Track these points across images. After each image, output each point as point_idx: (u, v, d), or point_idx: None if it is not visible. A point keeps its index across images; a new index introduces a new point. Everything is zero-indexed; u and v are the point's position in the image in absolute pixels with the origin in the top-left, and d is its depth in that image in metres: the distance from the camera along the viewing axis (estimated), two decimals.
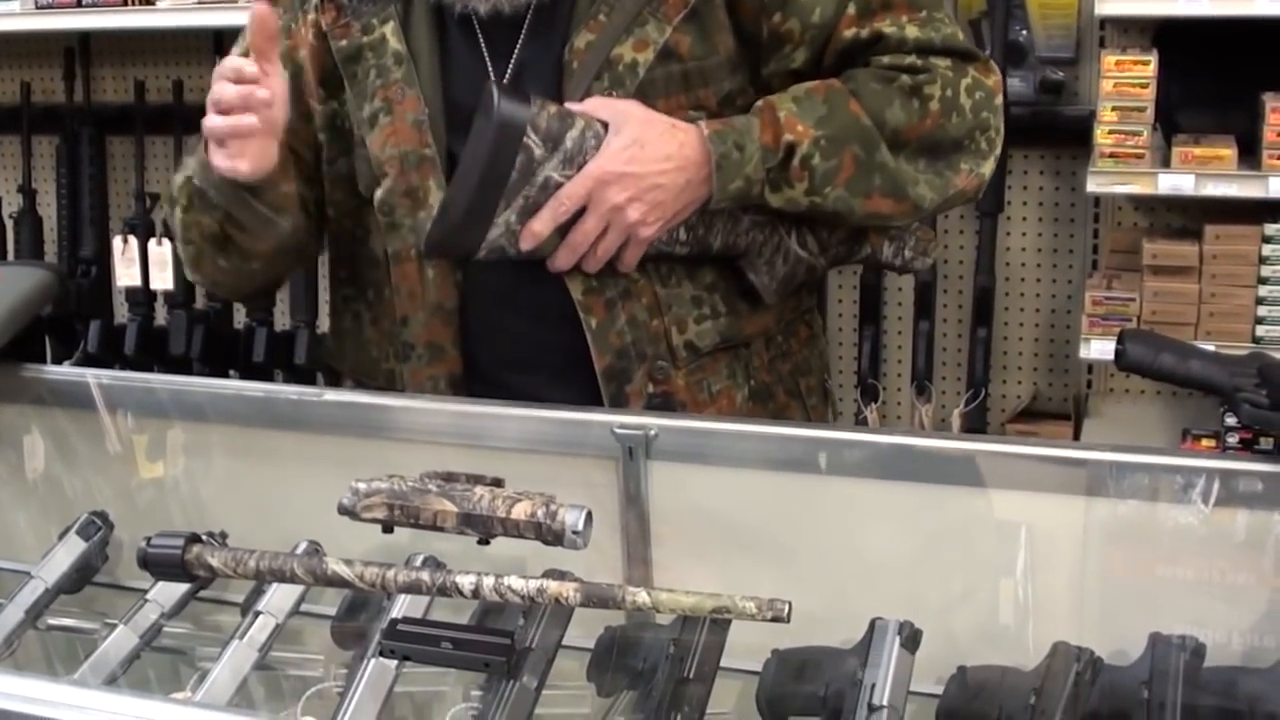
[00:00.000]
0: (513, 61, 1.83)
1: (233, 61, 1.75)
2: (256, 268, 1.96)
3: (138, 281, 4.14)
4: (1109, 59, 3.20)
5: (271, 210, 1.86)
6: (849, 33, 1.81)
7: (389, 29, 1.85)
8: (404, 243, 1.86)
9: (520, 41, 1.83)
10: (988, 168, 1.88)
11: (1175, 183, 3.16)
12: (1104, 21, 3.48)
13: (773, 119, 1.77)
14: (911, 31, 1.81)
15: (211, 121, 1.76)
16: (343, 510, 1.51)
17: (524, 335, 1.88)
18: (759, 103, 1.79)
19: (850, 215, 1.83)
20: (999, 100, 1.86)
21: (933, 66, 1.81)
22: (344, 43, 1.87)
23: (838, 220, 1.85)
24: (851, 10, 1.81)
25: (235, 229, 1.88)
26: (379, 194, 1.87)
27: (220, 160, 1.77)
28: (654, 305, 1.85)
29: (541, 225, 1.75)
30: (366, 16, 1.86)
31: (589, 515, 1.46)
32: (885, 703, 1.39)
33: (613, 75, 1.79)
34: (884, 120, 1.79)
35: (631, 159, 1.74)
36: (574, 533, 1.45)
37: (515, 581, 1.42)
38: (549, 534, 1.46)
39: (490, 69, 1.83)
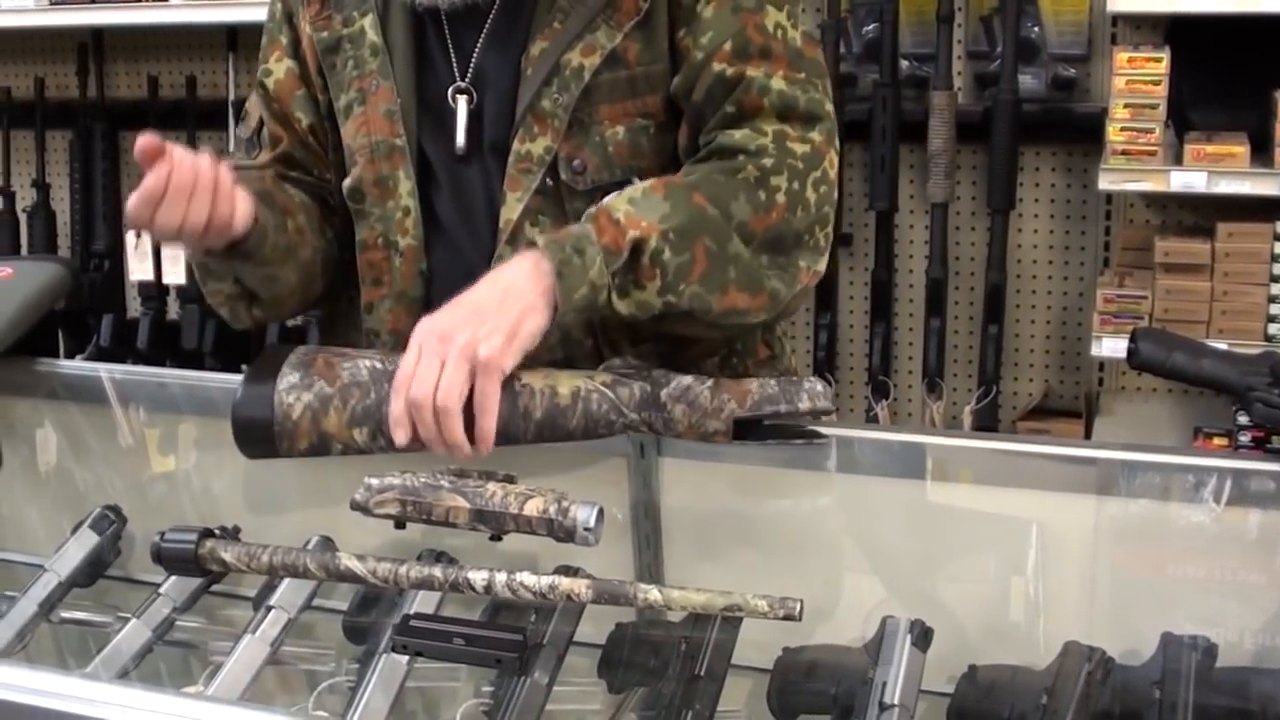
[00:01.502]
0: (471, 66, 1.84)
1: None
2: (294, 301, 1.95)
3: (150, 276, 4.16)
4: (1121, 56, 3.19)
5: (277, 258, 1.82)
6: (718, 67, 1.76)
7: (368, 21, 1.87)
8: (371, 231, 1.87)
9: (479, 45, 1.83)
10: (822, 264, 1.80)
11: (1187, 180, 3.16)
12: (1116, 18, 3.47)
13: (610, 221, 1.68)
14: (777, 84, 1.76)
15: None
16: (355, 506, 1.52)
17: None
18: (591, 209, 1.71)
19: (707, 314, 1.72)
20: (835, 193, 1.80)
21: (781, 156, 1.75)
22: (325, 34, 1.89)
23: (691, 323, 1.75)
24: (728, 47, 1.76)
25: (253, 285, 1.87)
26: (348, 182, 1.88)
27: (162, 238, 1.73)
28: (587, 323, 1.78)
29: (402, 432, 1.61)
30: (348, 9, 1.88)
31: (600, 512, 1.46)
32: (896, 701, 1.39)
33: (560, 80, 1.77)
34: (730, 213, 1.71)
35: (451, 312, 1.64)
36: (585, 529, 1.46)
37: (527, 578, 1.42)
38: (561, 530, 1.46)
39: (455, 67, 1.85)
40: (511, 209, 1.79)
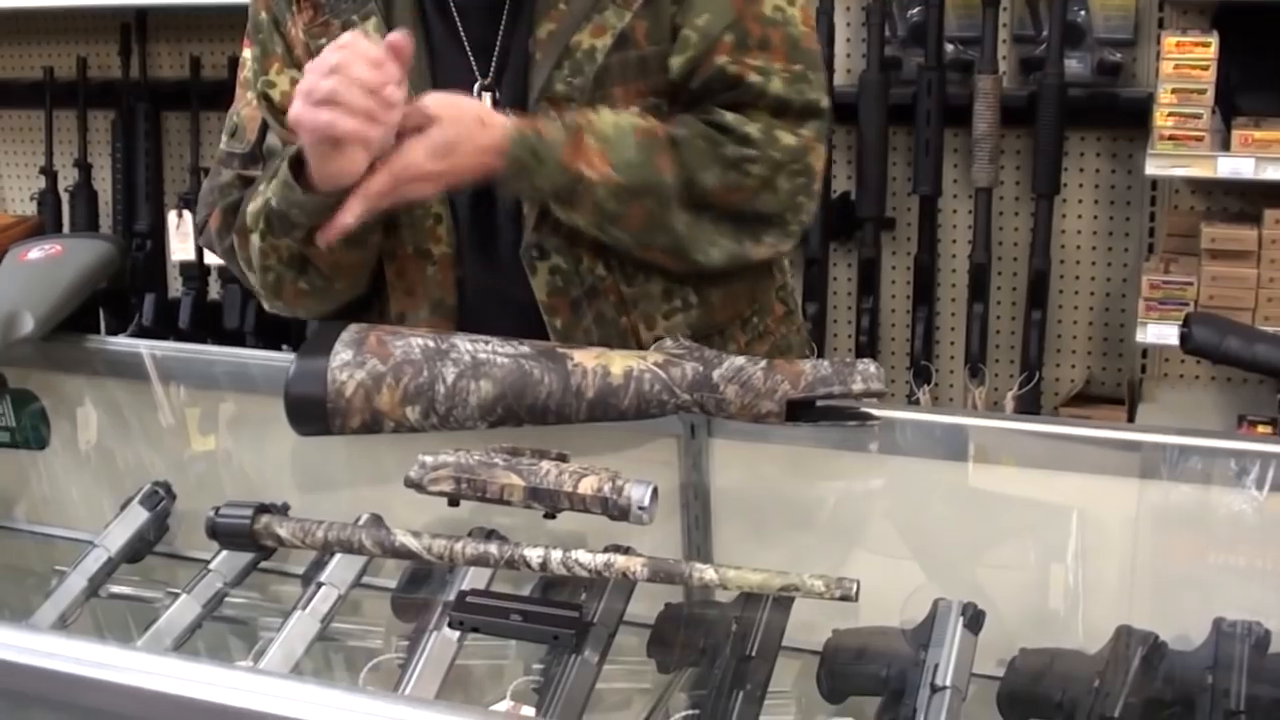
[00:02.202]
0: (494, 59, 1.81)
1: (364, 50, 1.62)
2: (340, 286, 1.87)
3: (192, 256, 4.16)
4: (1169, 40, 3.17)
5: (356, 233, 1.78)
6: (720, 60, 1.78)
7: (370, 25, 1.80)
8: (399, 240, 1.84)
9: (500, 33, 1.81)
10: (787, 245, 1.87)
11: (1235, 166, 3.13)
12: (1163, 3, 3.45)
13: (581, 144, 1.73)
14: (775, 86, 1.79)
15: (324, 119, 1.62)
16: (410, 483, 1.52)
17: (512, 331, 1.79)
18: (578, 119, 1.75)
19: (627, 254, 1.81)
20: (817, 183, 1.85)
21: (765, 147, 1.78)
22: (323, 41, 1.76)
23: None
24: (729, 39, 1.78)
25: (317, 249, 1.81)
26: None
27: (329, 166, 1.66)
28: (620, 301, 1.83)
29: (349, 217, 1.68)
30: (346, 14, 1.82)
31: (654, 491, 1.47)
32: (949, 683, 1.39)
33: (572, 63, 1.76)
34: (694, 179, 1.77)
35: (440, 157, 1.69)
36: (640, 508, 1.46)
37: (583, 555, 1.43)
38: (615, 509, 1.46)
39: (474, 63, 1.82)
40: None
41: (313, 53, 1.79)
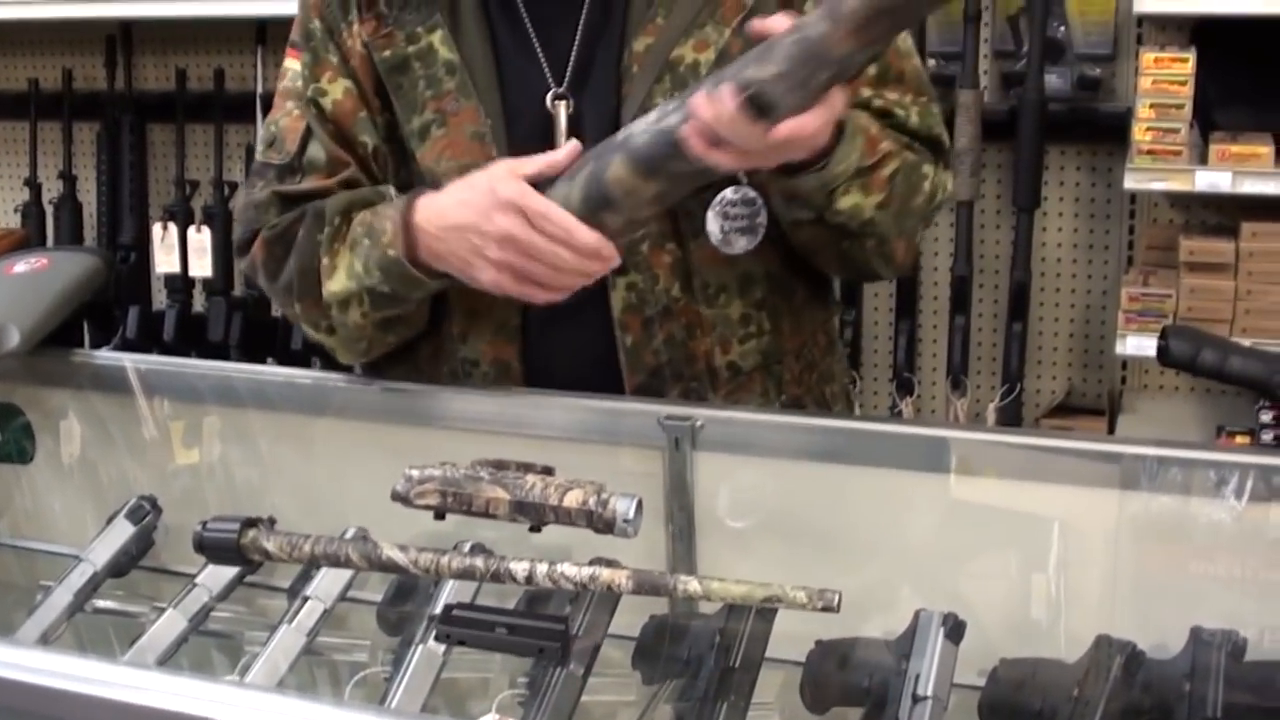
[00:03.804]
0: (569, 68, 1.79)
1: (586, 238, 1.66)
2: (422, 326, 1.89)
3: (177, 268, 4.15)
4: (1147, 56, 3.19)
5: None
6: (866, 93, 1.79)
7: (436, 38, 1.79)
8: None
9: (576, 42, 1.79)
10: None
11: (1212, 180, 3.15)
12: (1141, 19, 3.47)
13: (871, 133, 1.74)
14: (914, 119, 1.81)
15: (519, 263, 1.67)
16: (396, 496, 1.53)
17: (577, 350, 1.84)
18: (859, 119, 1.74)
19: (882, 245, 1.83)
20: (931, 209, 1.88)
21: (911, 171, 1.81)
22: (388, 53, 1.80)
23: (859, 248, 1.83)
24: (872, 72, 1.79)
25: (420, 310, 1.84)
26: None
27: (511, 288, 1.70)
28: (696, 325, 1.82)
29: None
30: (410, 25, 1.80)
31: (639, 504, 1.48)
32: (930, 693, 1.40)
33: (674, 77, 1.75)
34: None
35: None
36: (625, 521, 1.47)
37: (568, 568, 1.43)
38: (600, 522, 1.47)
39: (548, 73, 1.80)
40: None
41: (375, 65, 1.81)
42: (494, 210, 1.66)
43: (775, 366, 1.90)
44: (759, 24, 1.57)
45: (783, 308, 1.89)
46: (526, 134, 1.79)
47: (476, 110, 1.79)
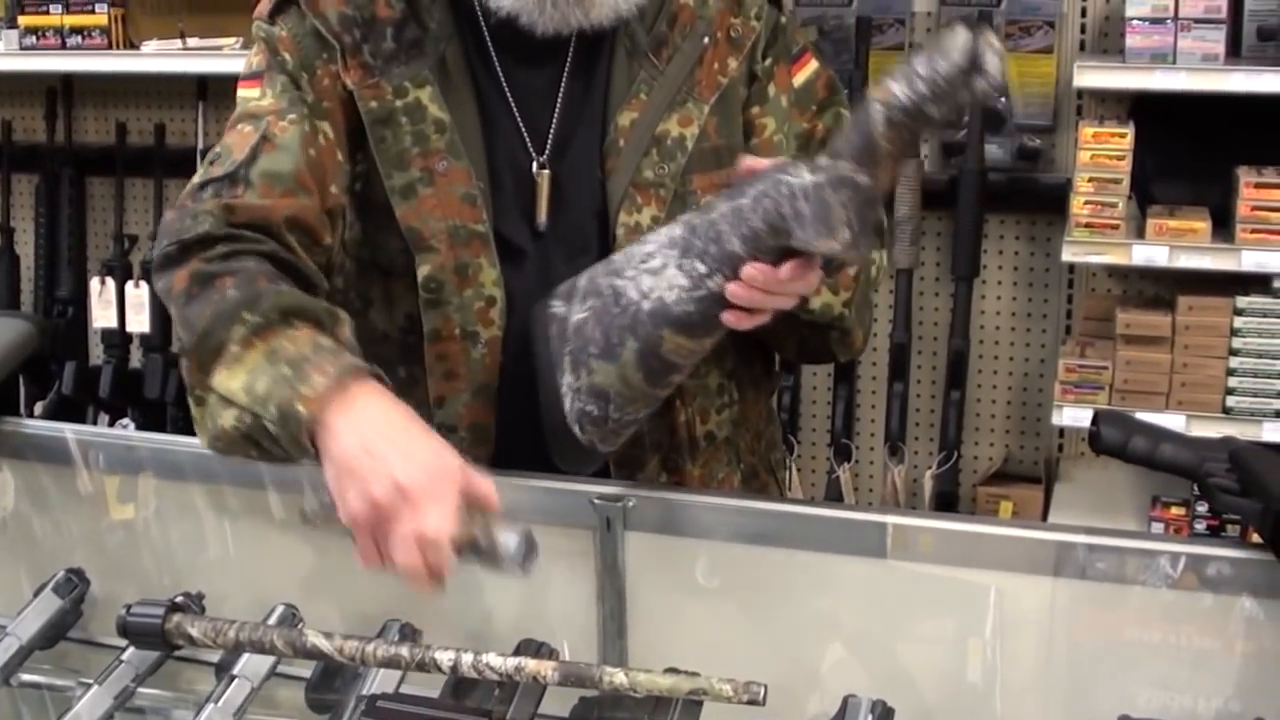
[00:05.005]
0: (550, 139, 1.81)
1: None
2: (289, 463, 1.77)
3: (114, 323, 4.13)
4: (1086, 130, 3.23)
5: None
6: (809, 125, 1.91)
7: (425, 94, 1.77)
8: (447, 321, 1.79)
9: (556, 115, 1.81)
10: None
11: (1149, 254, 3.19)
12: (1081, 92, 3.52)
13: None
14: None
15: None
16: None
17: None
18: None
19: (845, 336, 1.88)
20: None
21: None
22: (374, 104, 1.76)
23: (821, 337, 1.87)
24: (814, 108, 1.91)
25: None
26: (425, 270, 1.77)
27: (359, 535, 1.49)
28: (676, 394, 1.82)
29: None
30: (398, 79, 1.76)
31: (528, 538, 1.43)
32: None
33: (661, 150, 1.79)
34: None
35: None
36: (511, 559, 1.43)
37: (493, 659, 1.43)
38: (488, 559, 1.44)
39: (529, 141, 1.81)
40: None
41: (355, 113, 1.77)
42: (423, 494, 1.45)
43: (736, 435, 1.93)
44: (750, 162, 1.63)
45: (746, 377, 1.93)
46: (508, 198, 1.81)
47: (468, 172, 1.78)
